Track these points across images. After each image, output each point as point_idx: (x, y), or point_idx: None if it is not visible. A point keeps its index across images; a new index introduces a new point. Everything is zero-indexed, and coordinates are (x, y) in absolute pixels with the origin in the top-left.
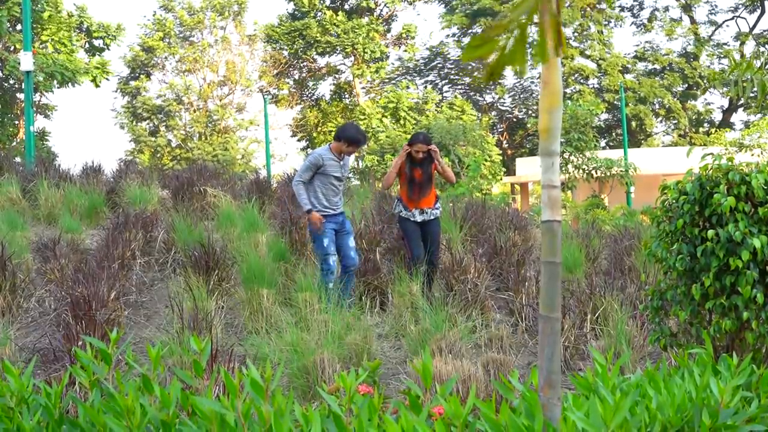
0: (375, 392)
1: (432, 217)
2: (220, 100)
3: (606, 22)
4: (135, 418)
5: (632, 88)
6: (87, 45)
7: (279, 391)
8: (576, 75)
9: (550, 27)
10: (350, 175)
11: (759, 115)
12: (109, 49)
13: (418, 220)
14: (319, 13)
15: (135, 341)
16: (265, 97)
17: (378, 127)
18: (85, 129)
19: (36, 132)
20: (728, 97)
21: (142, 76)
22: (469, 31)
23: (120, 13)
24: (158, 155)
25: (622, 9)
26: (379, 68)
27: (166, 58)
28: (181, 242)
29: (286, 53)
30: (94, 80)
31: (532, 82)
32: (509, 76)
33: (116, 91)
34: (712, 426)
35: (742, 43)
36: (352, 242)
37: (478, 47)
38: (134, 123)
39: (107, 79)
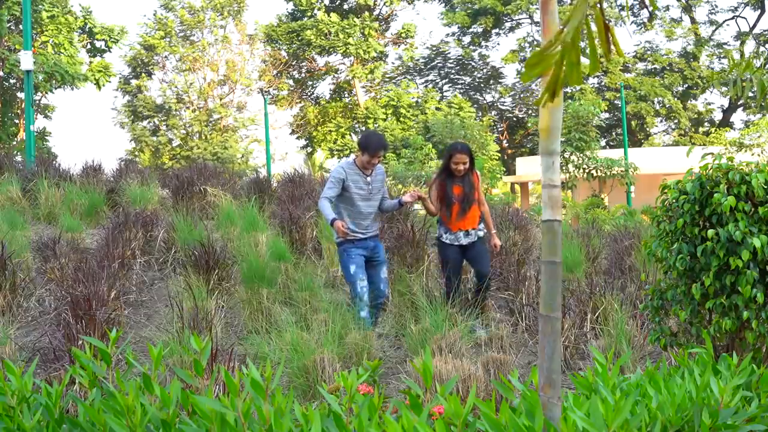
0: (375, 392)
1: (476, 238)
2: (221, 99)
3: (608, 21)
4: (135, 417)
5: (633, 86)
6: (89, 45)
7: (279, 391)
8: None
9: (599, 33)
10: (385, 194)
11: (759, 115)
12: (110, 51)
13: (464, 243)
14: (317, 12)
15: (135, 340)
16: (265, 97)
17: (382, 126)
18: (85, 128)
19: (36, 131)
20: (728, 97)
21: (143, 74)
22: (470, 30)
23: (121, 11)
24: (158, 154)
25: (622, 8)
26: (375, 68)
27: (166, 57)
28: (181, 241)
29: (285, 53)
30: (97, 83)
31: (533, 82)
32: (510, 76)
33: (117, 90)
34: (712, 425)
35: (743, 43)
36: (384, 273)
37: (536, 65)
38: (134, 122)
39: (109, 81)
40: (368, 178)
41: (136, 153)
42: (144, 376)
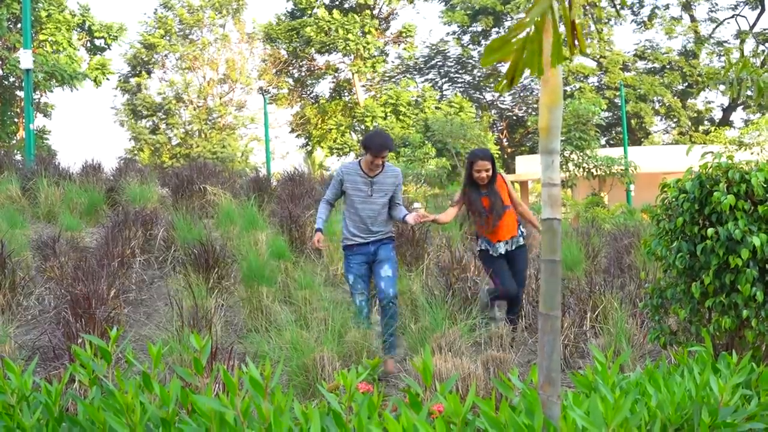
0: (375, 390)
1: (515, 246)
2: (220, 98)
3: (606, 20)
4: (135, 416)
5: (632, 85)
6: (89, 44)
7: (278, 389)
8: (577, 73)
9: (565, 26)
10: (398, 199)
11: (758, 114)
12: (110, 49)
13: (502, 252)
14: (317, 10)
15: (135, 339)
16: (265, 96)
17: (382, 125)
18: (84, 127)
19: (36, 130)
20: (727, 96)
21: (142, 73)
22: (470, 29)
23: (120, 9)
24: (158, 153)
25: (622, 7)
26: (375, 63)
27: (166, 55)
28: (180, 240)
29: (284, 52)
30: (95, 80)
31: (532, 80)
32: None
33: (116, 89)
34: (711, 424)
35: (743, 42)
36: (386, 270)
37: (497, 50)
38: (134, 120)
39: (107, 79)
40: (371, 179)
41: (136, 152)
42: (144, 374)
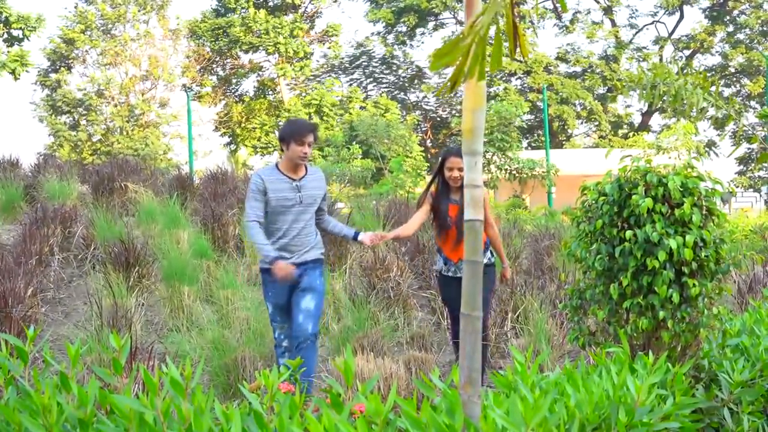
0: (296, 390)
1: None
2: (143, 95)
3: (531, 21)
4: (51, 417)
5: (555, 88)
6: (6, 35)
7: (199, 389)
8: (500, 74)
9: (507, 31)
10: (326, 208)
11: (674, 119)
12: (28, 40)
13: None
14: (244, 11)
15: (53, 338)
16: (188, 93)
17: None
18: (1, 122)
19: None
20: (642, 102)
21: (62, 68)
22: (395, 28)
23: (40, 1)
24: (78, 149)
25: (545, 10)
26: (303, 67)
27: (87, 51)
28: (100, 238)
29: (209, 49)
30: (13, 72)
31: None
32: (434, 75)
33: (36, 84)
34: (628, 423)
35: (661, 48)
36: (307, 302)
37: (446, 55)
38: (54, 116)
39: (27, 71)
40: (296, 183)
41: (55, 148)
42: (61, 374)
